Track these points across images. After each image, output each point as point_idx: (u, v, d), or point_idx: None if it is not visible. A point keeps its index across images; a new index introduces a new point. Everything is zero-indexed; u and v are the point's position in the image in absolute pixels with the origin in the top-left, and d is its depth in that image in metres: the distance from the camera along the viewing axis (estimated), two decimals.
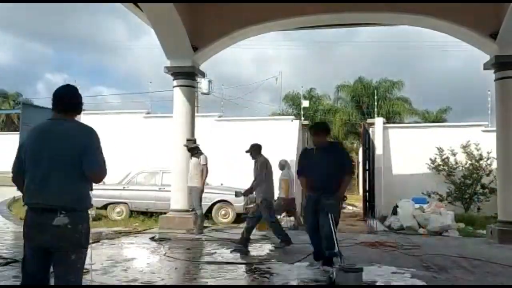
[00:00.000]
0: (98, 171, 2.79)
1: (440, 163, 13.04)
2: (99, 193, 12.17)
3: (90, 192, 2.82)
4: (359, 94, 29.65)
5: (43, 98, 44.51)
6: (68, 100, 2.85)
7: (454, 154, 12.91)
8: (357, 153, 26.09)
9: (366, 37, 52.56)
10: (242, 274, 5.37)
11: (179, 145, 9.28)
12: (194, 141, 8.86)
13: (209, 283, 4.92)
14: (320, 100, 31.96)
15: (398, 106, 28.82)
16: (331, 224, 4.91)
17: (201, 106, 25.70)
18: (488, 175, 12.44)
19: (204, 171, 8.63)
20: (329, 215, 4.95)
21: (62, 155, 2.69)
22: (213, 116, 15.88)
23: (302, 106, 22.57)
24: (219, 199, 11.25)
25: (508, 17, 7.48)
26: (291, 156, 13.65)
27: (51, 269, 2.73)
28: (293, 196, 10.40)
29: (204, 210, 10.81)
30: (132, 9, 8.74)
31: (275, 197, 8.18)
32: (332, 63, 53.10)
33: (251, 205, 11.90)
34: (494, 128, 9.15)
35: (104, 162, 2.86)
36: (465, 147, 12.95)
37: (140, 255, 6.51)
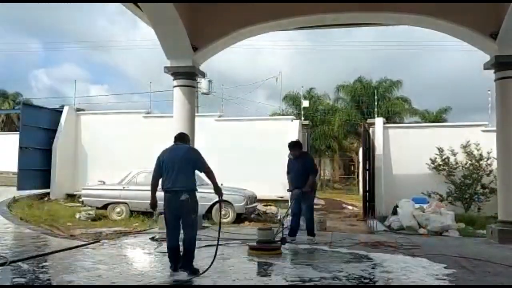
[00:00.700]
0: (207, 170, 5.37)
1: (440, 163, 13.04)
2: (99, 193, 12.23)
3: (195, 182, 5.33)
4: (359, 94, 29.67)
5: (43, 98, 44.50)
6: (182, 138, 5.66)
7: (454, 154, 12.90)
8: (357, 153, 26.09)
9: (366, 37, 52.51)
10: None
11: None
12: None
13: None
14: (320, 100, 31.97)
15: (398, 106, 28.83)
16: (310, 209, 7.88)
17: (201, 106, 25.74)
18: (488, 175, 12.44)
19: None
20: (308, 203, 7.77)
21: (184, 163, 5.24)
22: (213, 116, 15.89)
23: (302, 106, 22.57)
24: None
25: (508, 17, 7.48)
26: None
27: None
28: None
29: (204, 210, 10.86)
30: (132, 9, 8.74)
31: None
32: (332, 63, 53.08)
33: (251, 205, 11.98)
34: (494, 128, 9.14)
35: (207, 165, 5.41)
36: (465, 147, 12.94)
37: (140, 254, 6.51)
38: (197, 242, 5.30)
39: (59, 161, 15.79)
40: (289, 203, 8.26)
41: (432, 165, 13.11)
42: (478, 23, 8.22)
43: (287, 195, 13.53)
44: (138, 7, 8.50)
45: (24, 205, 13.06)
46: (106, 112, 17.50)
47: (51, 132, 15.93)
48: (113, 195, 11.98)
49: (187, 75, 9.38)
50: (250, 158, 14.12)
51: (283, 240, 7.10)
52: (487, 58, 8.61)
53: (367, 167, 13.68)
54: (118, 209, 11.85)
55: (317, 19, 9.10)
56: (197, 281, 4.92)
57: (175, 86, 9.45)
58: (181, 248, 5.15)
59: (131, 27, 73.21)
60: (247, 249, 6.68)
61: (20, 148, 14.44)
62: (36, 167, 15.17)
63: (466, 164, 12.79)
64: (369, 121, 15.22)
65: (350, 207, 16.84)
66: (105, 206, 11.94)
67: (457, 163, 12.85)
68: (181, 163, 5.16)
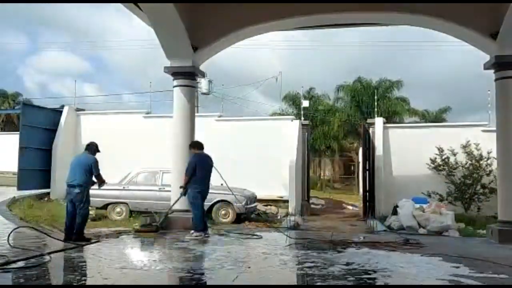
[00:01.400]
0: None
1: (440, 163, 13.04)
2: (99, 193, 12.20)
3: None
4: (358, 94, 29.67)
5: (43, 98, 44.49)
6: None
7: (454, 154, 12.91)
8: (357, 153, 26.08)
9: (365, 36, 52.52)
10: None
11: (179, 145, 9.29)
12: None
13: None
14: (320, 100, 31.97)
15: (397, 106, 28.83)
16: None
17: (201, 106, 25.74)
18: (488, 175, 12.44)
19: None
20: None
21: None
22: (213, 116, 15.89)
23: (302, 106, 22.55)
24: (219, 199, 11.26)
25: (508, 17, 7.48)
26: (291, 155, 13.68)
27: None
28: None
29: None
30: (132, 9, 8.74)
31: None
32: (332, 63, 53.07)
33: (251, 205, 11.98)
34: (494, 128, 9.14)
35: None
36: (465, 147, 12.94)
37: (140, 254, 6.51)
38: None
39: (59, 161, 15.78)
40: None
41: (432, 165, 13.11)
42: (478, 23, 8.23)
43: (287, 195, 13.70)
44: (138, 7, 8.49)
45: (24, 205, 13.04)
46: (106, 112, 17.50)
47: (51, 132, 15.92)
48: (113, 195, 11.98)
49: (187, 75, 9.38)
50: (250, 158, 14.12)
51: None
52: (487, 58, 8.61)
53: (367, 167, 13.69)
54: (118, 209, 11.86)
55: (317, 19, 9.10)
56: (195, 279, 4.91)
57: (175, 86, 9.45)
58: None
59: (120, 23, 72.98)
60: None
61: (20, 148, 14.43)
62: (36, 167, 15.17)
63: (466, 164, 12.79)
64: (369, 121, 15.23)
65: (350, 207, 16.86)
66: (105, 206, 11.94)
67: (457, 163, 12.85)
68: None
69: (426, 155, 13.11)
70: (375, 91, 25.77)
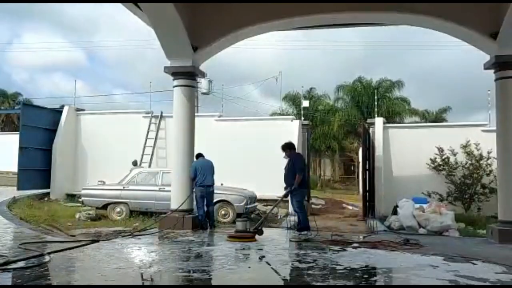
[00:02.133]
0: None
1: (440, 163, 13.04)
2: (99, 193, 12.23)
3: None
4: (359, 94, 29.67)
5: (43, 98, 44.53)
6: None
7: (454, 154, 12.90)
8: (357, 153, 26.08)
9: (366, 37, 52.50)
10: None
11: (179, 145, 9.29)
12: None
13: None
14: (320, 100, 31.97)
15: (398, 106, 28.84)
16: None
17: (201, 106, 25.74)
18: (488, 175, 12.44)
19: None
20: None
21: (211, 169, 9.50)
22: (213, 116, 15.89)
23: (302, 106, 22.56)
24: (219, 199, 11.25)
25: (508, 17, 7.48)
26: None
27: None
28: None
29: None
30: (132, 9, 8.73)
31: None
32: (332, 63, 53.08)
33: (251, 205, 11.97)
34: (494, 128, 9.14)
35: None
36: (465, 147, 12.94)
37: (140, 254, 6.50)
38: None
39: (59, 161, 15.80)
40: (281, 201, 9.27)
41: (432, 165, 13.11)
42: (478, 23, 8.22)
43: None
44: (138, 7, 8.49)
45: (24, 205, 13.06)
46: (106, 112, 17.50)
47: (51, 132, 15.93)
48: (113, 195, 11.99)
49: (187, 75, 9.37)
50: (250, 158, 14.12)
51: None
52: (487, 58, 8.61)
53: (367, 167, 13.68)
54: (118, 209, 11.86)
55: (316, 19, 9.09)
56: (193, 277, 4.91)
57: (175, 86, 9.45)
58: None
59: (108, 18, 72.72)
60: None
61: (20, 148, 14.44)
62: (36, 167, 15.18)
63: (466, 164, 12.79)
64: (369, 121, 15.22)
65: (350, 207, 16.84)
66: (105, 206, 11.95)
67: (457, 163, 12.85)
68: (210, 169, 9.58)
69: (426, 155, 13.11)
70: (375, 91, 25.78)
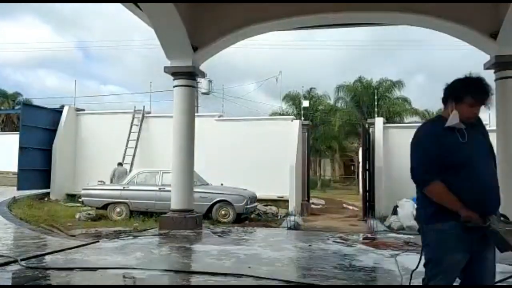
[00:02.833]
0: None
1: None
2: (99, 193, 12.23)
3: None
4: (359, 94, 29.69)
5: (43, 98, 44.52)
6: None
7: None
8: (357, 153, 26.09)
9: (366, 36, 52.56)
10: None
11: (179, 145, 9.29)
12: None
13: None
14: (320, 100, 32.00)
15: (398, 106, 28.86)
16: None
17: (201, 106, 25.76)
18: None
19: None
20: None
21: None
22: (213, 116, 15.89)
23: (302, 106, 22.57)
24: (219, 199, 11.26)
25: (508, 17, 7.47)
26: (292, 155, 13.67)
27: None
28: None
29: (204, 210, 10.88)
30: (132, 9, 8.73)
31: None
32: (332, 63, 53.10)
33: (251, 205, 11.98)
34: (494, 128, 9.13)
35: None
36: None
37: (140, 254, 6.50)
38: None
39: (59, 161, 15.79)
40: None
41: None
42: (478, 23, 8.21)
43: (287, 195, 13.66)
44: (138, 7, 8.49)
45: (24, 205, 13.05)
46: (106, 112, 17.51)
47: (51, 132, 15.93)
48: (113, 195, 11.98)
49: (187, 75, 9.37)
50: (250, 158, 14.12)
51: None
52: (487, 58, 8.61)
53: (367, 167, 13.67)
54: (118, 209, 11.85)
55: (317, 19, 9.09)
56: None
57: (175, 86, 9.45)
58: None
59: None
60: None
61: (20, 148, 14.44)
62: (36, 167, 15.18)
63: None
64: (369, 121, 15.22)
65: (350, 207, 16.85)
66: (105, 206, 11.94)
67: None
68: None
69: None
70: (376, 91, 25.79)
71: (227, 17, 9.12)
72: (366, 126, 14.66)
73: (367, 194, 13.50)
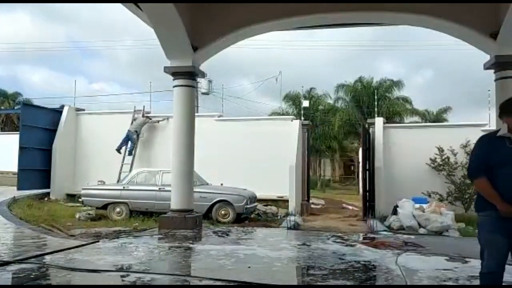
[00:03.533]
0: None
1: (440, 163, 13.04)
2: (99, 193, 12.22)
3: None
4: (359, 93, 29.70)
5: (43, 98, 44.51)
6: None
7: (454, 154, 12.90)
8: (357, 153, 26.09)
9: (366, 36, 52.55)
10: None
11: (179, 145, 9.29)
12: None
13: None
14: (320, 100, 32.01)
15: (398, 106, 28.88)
16: None
17: (201, 106, 25.77)
18: None
19: None
20: None
21: None
22: (213, 116, 15.88)
23: (302, 106, 22.57)
24: (219, 199, 11.26)
25: (508, 17, 7.47)
26: (291, 155, 13.67)
27: None
28: None
29: (204, 210, 10.88)
30: (132, 9, 8.73)
31: None
32: (332, 63, 53.11)
33: (251, 205, 11.97)
34: (494, 128, 9.14)
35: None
36: (465, 147, 12.93)
37: (140, 254, 6.50)
38: None
39: (59, 161, 15.79)
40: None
41: (432, 165, 13.10)
42: (478, 23, 8.21)
43: (287, 195, 13.66)
44: (138, 7, 8.49)
45: (24, 205, 13.05)
46: (106, 112, 17.50)
47: (51, 132, 15.92)
48: (113, 195, 11.97)
49: (187, 75, 9.37)
50: (250, 158, 14.11)
51: None
52: (487, 57, 8.61)
53: (367, 167, 13.68)
54: (118, 209, 11.85)
55: (316, 19, 9.09)
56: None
57: (175, 86, 9.45)
58: None
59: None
60: None
61: (20, 148, 14.44)
62: (36, 167, 15.18)
63: (466, 164, 12.78)
64: (369, 121, 15.21)
65: (350, 207, 16.84)
66: (105, 206, 11.94)
67: (457, 163, 12.84)
68: None
69: (426, 155, 13.10)
70: (376, 91, 25.80)
71: (227, 17, 9.12)
72: (366, 126, 14.66)
73: (367, 194, 13.50)
